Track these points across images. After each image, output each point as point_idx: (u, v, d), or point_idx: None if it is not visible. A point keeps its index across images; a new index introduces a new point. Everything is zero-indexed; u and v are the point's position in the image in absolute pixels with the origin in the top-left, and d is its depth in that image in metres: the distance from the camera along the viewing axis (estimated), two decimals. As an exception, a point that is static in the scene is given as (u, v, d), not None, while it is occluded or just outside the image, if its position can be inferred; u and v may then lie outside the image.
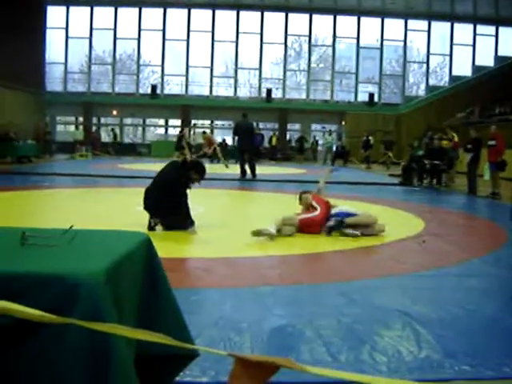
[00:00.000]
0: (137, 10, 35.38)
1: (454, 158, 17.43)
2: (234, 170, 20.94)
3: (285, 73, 36.62)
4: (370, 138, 28.15)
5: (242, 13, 35.68)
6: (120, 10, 35.49)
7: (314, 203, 7.99)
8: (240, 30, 35.81)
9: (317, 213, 7.79)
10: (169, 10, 35.58)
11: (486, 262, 6.36)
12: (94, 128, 35.45)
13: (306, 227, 7.68)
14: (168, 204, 7.47)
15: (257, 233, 7.05)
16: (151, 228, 7.45)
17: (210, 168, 21.68)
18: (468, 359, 3.36)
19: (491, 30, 36.53)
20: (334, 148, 30.88)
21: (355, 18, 35.90)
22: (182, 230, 7.49)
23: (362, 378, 1.17)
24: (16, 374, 1.70)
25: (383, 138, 26.42)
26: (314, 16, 35.84)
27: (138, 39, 35.80)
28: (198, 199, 9.26)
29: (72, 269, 1.78)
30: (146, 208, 7.64)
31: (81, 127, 35.16)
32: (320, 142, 35.80)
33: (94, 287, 1.69)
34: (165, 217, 7.56)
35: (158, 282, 2.32)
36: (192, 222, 7.48)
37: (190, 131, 24.35)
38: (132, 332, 1.36)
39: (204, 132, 27.50)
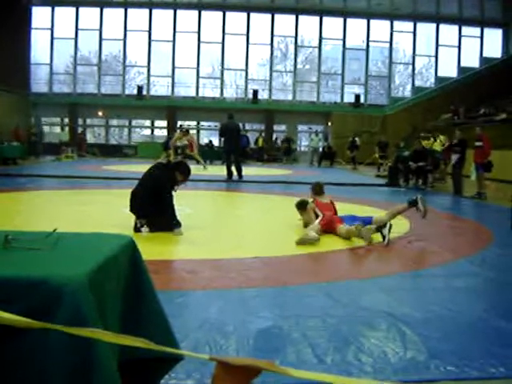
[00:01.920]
0: (122, 10, 35.27)
1: (440, 159, 17.53)
2: (215, 171, 20.97)
3: (271, 74, 36.63)
4: (357, 138, 28.25)
5: (228, 14, 35.66)
6: (106, 10, 35.35)
7: (317, 210, 8.03)
8: (226, 31, 35.79)
9: (319, 219, 7.85)
10: (154, 11, 35.50)
11: (471, 262, 6.39)
12: (79, 129, 35.27)
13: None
14: (154, 206, 7.45)
15: (302, 241, 7.06)
16: (137, 230, 7.42)
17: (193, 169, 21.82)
18: (453, 359, 3.37)
19: (476, 31, 36.76)
20: (321, 149, 30.91)
21: (341, 20, 35.98)
22: (167, 232, 7.47)
23: (343, 380, 1.17)
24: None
25: (379, 140, 26.25)
26: (300, 17, 35.88)
27: (124, 40, 35.69)
28: (185, 200, 9.24)
29: (55, 273, 1.76)
30: (132, 210, 7.61)
31: (66, 128, 34.97)
32: (305, 144, 35.87)
33: (76, 291, 1.68)
34: (151, 218, 7.54)
35: (142, 285, 2.30)
36: (178, 223, 7.46)
37: (182, 136, 24.08)
38: (113, 337, 1.35)
39: (185, 130, 26.58)
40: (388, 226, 7.47)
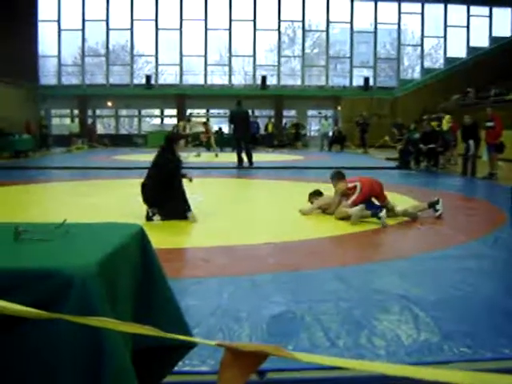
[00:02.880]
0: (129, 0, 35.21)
1: (451, 140, 17.45)
2: (225, 158, 20.98)
3: (279, 59, 36.47)
4: (367, 121, 28.03)
5: (234, 0, 35.49)
6: (112, 0, 35.27)
7: (358, 185, 8.10)
8: (233, 18, 35.62)
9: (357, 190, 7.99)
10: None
11: (484, 243, 6.37)
12: (89, 120, 35.34)
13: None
14: (164, 193, 7.50)
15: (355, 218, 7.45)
16: (149, 218, 7.45)
17: (203, 157, 21.81)
18: (467, 341, 3.37)
19: (485, 10, 36.37)
20: (331, 133, 30.79)
21: (348, 2, 35.71)
22: (180, 219, 7.50)
23: (352, 363, 1.17)
24: (6, 370, 1.70)
25: (395, 122, 25.86)
26: (307, 1, 35.63)
27: (131, 29, 35.61)
28: (196, 188, 9.25)
29: (64, 263, 1.77)
30: (144, 201, 7.68)
31: (76, 120, 35.05)
32: (315, 128, 35.74)
33: (86, 281, 1.68)
34: (162, 206, 7.57)
35: (153, 273, 2.31)
36: (189, 208, 7.51)
37: (186, 123, 24.25)
38: (121, 326, 1.36)
39: (205, 123, 27.32)
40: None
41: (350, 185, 8.09)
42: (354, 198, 7.88)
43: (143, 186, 7.72)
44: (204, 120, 25.41)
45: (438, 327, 3.60)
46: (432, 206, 8.06)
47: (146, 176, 7.84)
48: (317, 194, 8.54)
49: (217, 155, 23.14)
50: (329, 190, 8.54)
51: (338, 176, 8.35)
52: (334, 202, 8.07)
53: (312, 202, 8.47)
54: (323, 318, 3.77)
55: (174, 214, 7.57)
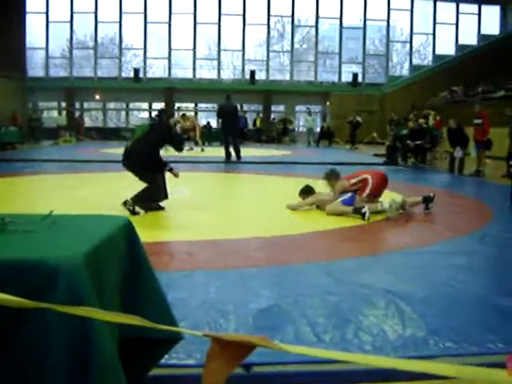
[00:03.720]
0: (118, -8, 35.01)
1: (438, 136, 17.52)
2: (213, 153, 20.95)
3: (268, 54, 36.40)
4: (359, 118, 28.04)
5: (223, -6, 35.41)
6: (101, -8, 35.07)
7: (368, 178, 8.13)
8: (222, 12, 35.51)
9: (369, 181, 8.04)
10: (150, -7, 35.24)
11: (471, 239, 6.40)
12: (77, 113, 35.16)
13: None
14: (152, 161, 7.72)
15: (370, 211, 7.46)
16: (133, 213, 7.42)
17: (189, 152, 21.76)
18: (452, 336, 3.39)
19: (474, 8, 36.47)
20: (318, 129, 30.78)
21: (338, -2, 35.75)
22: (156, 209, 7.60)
23: (336, 354, 1.17)
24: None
25: (391, 118, 25.67)
26: (297, -4, 35.64)
27: (120, 22, 35.39)
28: (183, 182, 9.23)
29: (51, 254, 1.76)
30: (129, 165, 7.77)
31: (64, 112, 34.88)
32: (303, 124, 35.73)
33: (73, 272, 1.68)
34: (146, 174, 7.67)
35: (140, 266, 2.30)
36: (171, 168, 7.91)
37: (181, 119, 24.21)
38: (107, 315, 1.35)
39: (183, 114, 26.91)
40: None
41: (361, 177, 8.12)
42: (367, 191, 7.91)
43: (130, 151, 7.79)
44: (182, 113, 25.31)
45: (424, 322, 3.61)
46: (426, 201, 8.07)
47: (135, 141, 7.94)
48: (308, 191, 8.42)
49: (203, 150, 23.13)
50: (317, 186, 8.53)
51: (334, 175, 8.38)
52: (332, 200, 8.06)
53: (302, 198, 8.41)
54: (310, 313, 3.78)
55: (154, 196, 7.70)
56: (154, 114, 35.33)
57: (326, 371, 2.92)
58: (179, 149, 8.35)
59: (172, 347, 2.43)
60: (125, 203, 7.42)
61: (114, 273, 2.08)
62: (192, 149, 22.49)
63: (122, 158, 7.84)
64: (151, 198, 7.64)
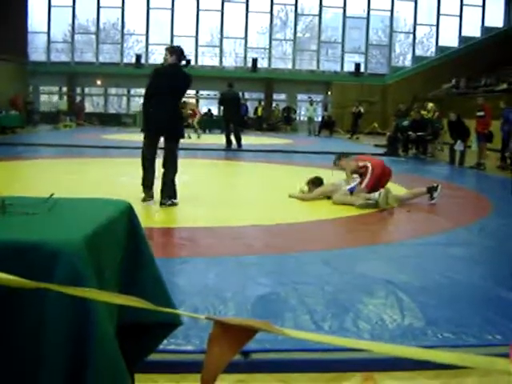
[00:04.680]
0: (120, -23, 34.84)
1: (439, 128, 17.48)
2: (214, 140, 20.90)
3: (270, 42, 36.27)
4: (361, 108, 27.97)
5: (227, -19, 35.25)
6: (103, -23, 34.91)
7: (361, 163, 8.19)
8: (225, -1, 35.41)
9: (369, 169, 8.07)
10: (153, -22, 35.08)
11: (470, 231, 6.40)
12: (77, 98, 35.06)
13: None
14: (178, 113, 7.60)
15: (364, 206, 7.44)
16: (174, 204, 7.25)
17: (186, 140, 21.63)
18: (450, 326, 3.39)
19: (478, 0, 36.36)
20: (320, 118, 30.73)
21: (342, -13, 35.59)
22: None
23: (340, 340, 1.16)
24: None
25: (398, 108, 25.39)
26: (301, -15, 35.49)
27: (122, 8, 35.24)
28: (183, 169, 9.20)
29: (51, 236, 1.75)
30: (164, 129, 7.30)
31: (65, 97, 34.82)
32: (305, 113, 35.66)
33: (73, 254, 1.67)
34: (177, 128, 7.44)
35: (140, 250, 2.29)
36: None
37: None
38: (107, 296, 1.34)
39: (184, 102, 26.67)
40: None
41: (361, 163, 8.11)
42: (366, 181, 7.93)
43: (156, 113, 7.27)
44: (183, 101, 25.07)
45: (423, 312, 3.61)
46: (430, 191, 8.06)
47: (158, 99, 7.37)
48: (317, 182, 8.29)
49: (199, 137, 22.98)
50: (325, 177, 8.47)
51: (344, 156, 8.39)
52: (348, 178, 8.13)
53: (309, 188, 8.32)
54: (309, 301, 3.78)
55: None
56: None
57: (324, 359, 2.93)
58: None
59: (171, 332, 2.42)
60: (163, 204, 7.14)
61: (113, 256, 2.07)
62: (190, 137, 22.38)
63: None
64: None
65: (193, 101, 26.50)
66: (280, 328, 1.18)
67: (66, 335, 1.62)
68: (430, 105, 18.72)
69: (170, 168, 7.17)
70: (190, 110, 23.86)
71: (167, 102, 7.18)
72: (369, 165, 8.03)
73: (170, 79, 7.26)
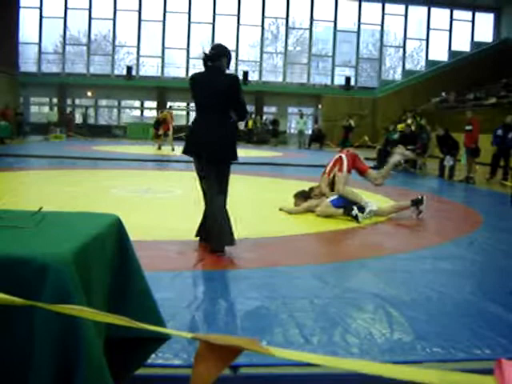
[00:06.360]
0: (112, -11, 34.92)
1: (426, 140, 17.54)
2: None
3: (261, 55, 36.44)
4: (351, 121, 28.09)
5: (218, -6, 35.40)
6: (95, -11, 34.99)
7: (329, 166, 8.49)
8: (217, 12, 35.52)
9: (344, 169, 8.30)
10: (144, -10, 35.18)
11: (459, 245, 6.41)
12: (68, 109, 35.02)
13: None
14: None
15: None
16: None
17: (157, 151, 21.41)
18: (439, 341, 3.39)
19: (468, 15, 36.69)
20: (310, 131, 30.81)
21: (333, 1, 35.78)
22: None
23: (325, 359, 1.16)
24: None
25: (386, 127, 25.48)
26: (292, -2, 35.68)
27: (114, 19, 35.33)
28: (173, 182, 9.21)
29: (39, 251, 1.75)
30: (213, 152, 6.13)
31: (55, 108, 34.76)
32: (294, 126, 35.81)
33: (61, 269, 1.66)
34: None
35: (128, 264, 2.29)
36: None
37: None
38: (94, 314, 1.34)
39: (161, 111, 26.10)
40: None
41: (333, 160, 8.46)
42: (345, 167, 8.23)
43: (199, 129, 5.86)
44: (160, 110, 24.34)
45: (412, 327, 3.61)
46: (415, 204, 8.07)
47: (204, 112, 5.85)
48: (304, 196, 8.39)
49: (173, 149, 22.26)
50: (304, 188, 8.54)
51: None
52: (324, 195, 8.24)
53: (296, 201, 8.39)
54: (298, 315, 3.77)
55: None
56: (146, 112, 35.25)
57: (313, 374, 2.92)
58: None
59: (159, 347, 2.42)
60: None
61: (102, 270, 2.07)
62: (160, 148, 21.96)
63: None
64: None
65: (170, 111, 25.75)
66: (266, 347, 1.18)
67: (54, 349, 1.61)
68: (409, 121, 18.85)
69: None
70: (161, 117, 23.20)
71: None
72: (342, 155, 8.46)
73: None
